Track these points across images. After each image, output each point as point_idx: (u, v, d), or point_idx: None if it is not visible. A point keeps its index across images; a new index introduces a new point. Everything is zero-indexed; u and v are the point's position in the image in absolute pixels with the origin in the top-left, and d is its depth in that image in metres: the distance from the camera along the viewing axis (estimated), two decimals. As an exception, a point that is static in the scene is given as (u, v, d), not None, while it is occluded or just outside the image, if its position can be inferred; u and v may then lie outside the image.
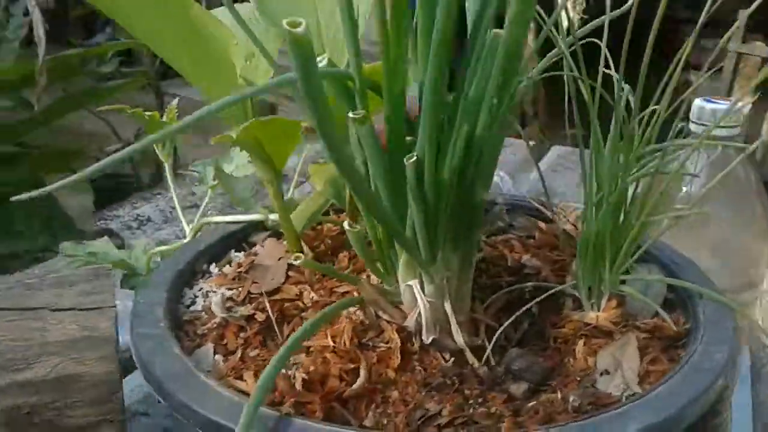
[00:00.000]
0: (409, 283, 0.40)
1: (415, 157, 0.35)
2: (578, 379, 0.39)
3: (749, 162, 0.54)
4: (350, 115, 0.35)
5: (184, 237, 0.98)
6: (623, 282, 0.43)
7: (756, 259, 0.57)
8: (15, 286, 0.57)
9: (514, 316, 0.42)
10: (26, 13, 1.43)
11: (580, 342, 0.41)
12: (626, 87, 0.41)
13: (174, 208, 1.23)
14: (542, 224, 0.55)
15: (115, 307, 0.54)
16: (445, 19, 0.32)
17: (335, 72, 0.37)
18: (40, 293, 0.56)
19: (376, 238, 0.42)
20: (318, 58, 0.36)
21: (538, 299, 0.43)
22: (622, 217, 0.42)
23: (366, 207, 0.39)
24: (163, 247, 0.59)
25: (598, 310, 0.43)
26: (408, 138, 0.38)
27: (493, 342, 0.41)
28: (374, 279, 0.44)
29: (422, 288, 0.40)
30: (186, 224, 0.68)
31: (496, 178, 0.88)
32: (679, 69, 0.40)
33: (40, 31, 1.20)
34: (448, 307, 0.40)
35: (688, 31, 0.42)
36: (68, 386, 0.52)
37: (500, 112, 0.38)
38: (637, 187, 0.43)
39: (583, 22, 0.47)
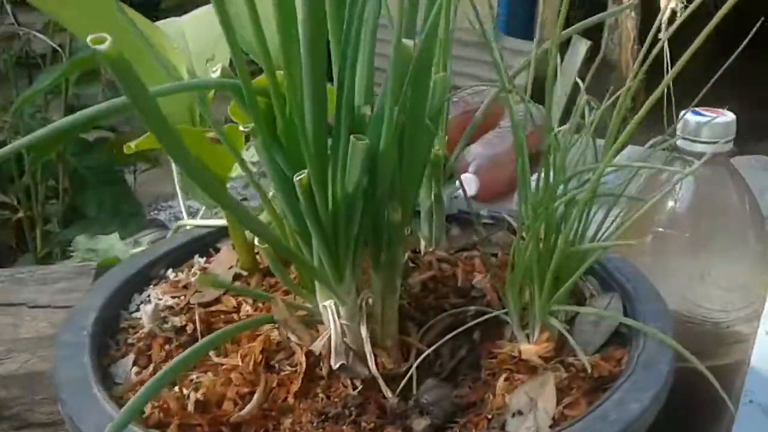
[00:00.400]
0: (325, 303, 0.39)
1: (303, 175, 0.34)
2: (489, 417, 0.36)
3: (738, 181, 0.48)
4: (240, 128, 0.35)
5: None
6: (551, 313, 0.40)
7: (749, 287, 0.52)
8: (6, 281, 0.59)
9: (441, 341, 0.40)
10: None
11: (503, 376, 0.38)
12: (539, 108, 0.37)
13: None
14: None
15: (88, 306, 0.55)
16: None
17: (226, 83, 0.35)
18: (25, 289, 0.58)
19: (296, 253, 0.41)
20: (215, 67, 0.35)
21: (469, 324, 0.41)
22: (551, 244, 0.38)
23: (253, 231, 0.38)
24: (137, 250, 0.60)
25: (530, 341, 0.40)
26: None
27: (412, 369, 0.39)
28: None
29: (337, 309, 0.39)
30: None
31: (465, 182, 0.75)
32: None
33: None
34: (363, 330, 0.39)
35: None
36: (36, 383, 0.54)
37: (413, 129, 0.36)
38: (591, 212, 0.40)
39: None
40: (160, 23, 0.58)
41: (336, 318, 0.39)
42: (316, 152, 0.34)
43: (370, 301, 0.40)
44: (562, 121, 0.44)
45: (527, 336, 0.41)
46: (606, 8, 2.72)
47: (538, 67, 0.42)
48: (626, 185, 0.38)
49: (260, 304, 0.45)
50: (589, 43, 2.51)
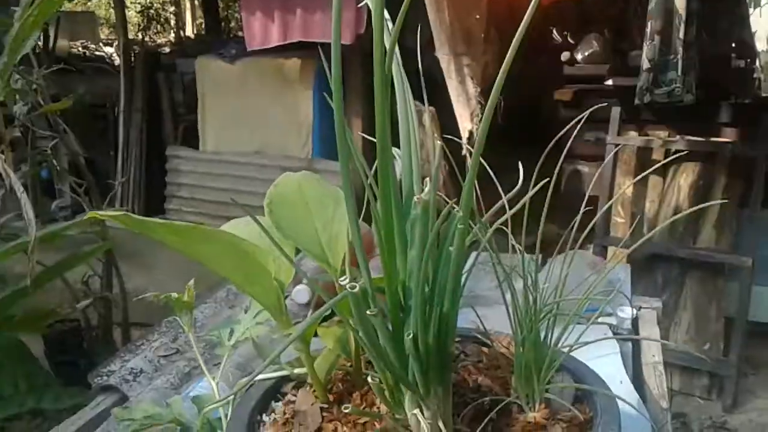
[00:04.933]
0: (414, 412, 0.62)
1: (411, 334, 0.58)
2: (529, 460, 0.61)
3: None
4: (368, 312, 0.58)
5: (179, 385, 1.17)
6: (547, 390, 0.67)
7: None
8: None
9: (482, 424, 0.65)
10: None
11: (527, 435, 0.64)
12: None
13: (162, 356, 1.40)
14: (485, 349, 0.79)
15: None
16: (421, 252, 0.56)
17: (359, 291, 0.59)
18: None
19: (387, 383, 0.64)
20: (350, 281, 0.59)
21: (495, 409, 0.66)
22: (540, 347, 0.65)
23: (381, 365, 0.61)
24: (212, 405, 0.78)
25: (535, 412, 0.66)
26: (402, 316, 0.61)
27: (471, 443, 0.63)
28: (385, 410, 0.66)
29: (422, 413, 0.62)
30: (210, 379, 0.87)
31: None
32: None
33: (30, 214, 1.38)
34: (441, 424, 0.62)
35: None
36: None
37: (456, 297, 0.62)
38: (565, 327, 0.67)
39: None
40: (230, 224, 0.78)
41: (423, 419, 0.62)
42: (419, 320, 0.58)
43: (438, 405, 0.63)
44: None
45: (530, 408, 0.66)
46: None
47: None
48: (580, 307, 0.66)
49: (348, 425, 0.67)
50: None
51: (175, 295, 0.90)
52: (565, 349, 0.67)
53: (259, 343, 0.82)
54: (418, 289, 0.57)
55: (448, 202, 0.64)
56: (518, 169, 0.67)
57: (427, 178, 0.55)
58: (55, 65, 2.43)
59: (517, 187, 0.66)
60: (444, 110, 2.88)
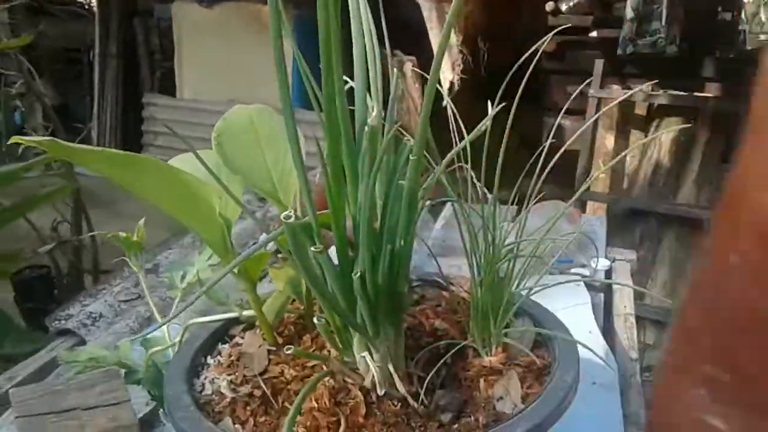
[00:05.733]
0: (362, 354, 0.59)
1: (358, 273, 0.54)
2: (483, 405, 0.58)
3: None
4: (312, 249, 0.54)
5: (138, 329, 1.13)
6: (506, 334, 0.63)
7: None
8: (46, 394, 0.71)
9: (435, 368, 0.62)
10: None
11: (482, 380, 0.61)
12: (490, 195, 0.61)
13: (122, 301, 1.36)
14: (445, 293, 0.75)
15: (129, 400, 0.70)
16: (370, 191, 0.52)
17: (302, 222, 0.55)
18: (69, 396, 0.71)
19: (335, 325, 0.60)
20: (288, 212, 0.54)
21: (449, 353, 0.63)
22: (498, 290, 0.62)
23: (328, 305, 0.57)
24: (156, 348, 0.75)
25: (491, 356, 0.63)
26: (351, 254, 0.57)
27: (424, 387, 0.60)
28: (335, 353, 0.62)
29: (371, 356, 0.59)
30: (159, 319, 0.84)
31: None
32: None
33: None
34: (390, 367, 0.59)
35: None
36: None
37: (409, 234, 0.58)
38: (512, 265, 0.64)
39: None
40: (177, 159, 0.74)
41: (373, 361, 0.59)
42: (366, 257, 0.54)
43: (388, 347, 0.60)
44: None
45: (486, 353, 0.63)
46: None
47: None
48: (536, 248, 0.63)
49: (297, 367, 0.64)
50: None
51: (123, 234, 0.85)
52: (524, 292, 0.64)
53: (206, 284, 0.78)
54: (365, 225, 0.53)
55: (404, 134, 0.60)
56: (500, 123, 0.63)
57: (373, 104, 0.50)
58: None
59: (481, 125, 0.62)
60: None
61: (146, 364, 0.76)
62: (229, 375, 0.64)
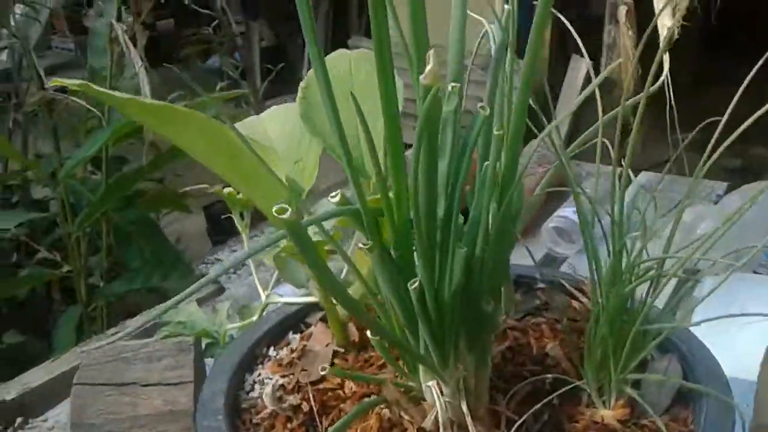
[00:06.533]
0: (428, 384, 0.45)
1: (417, 283, 0.40)
2: (584, 478, 0.43)
3: None
4: (360, 245, 0.41)
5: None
6: (634, 382, 0.46)
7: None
8: (113, 359, 0.66)
9: (532, 409, 0.47)
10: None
11: (590, 439, 0.45)
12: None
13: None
14: (576, 304, 0.59)
15: (192, 382, 0.62)
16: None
17: (345, 210, 0.42)
18: (134, 367, 0.64)
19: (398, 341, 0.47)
20: (332, 196, 0.42)
21: (557, 392, 0.47)
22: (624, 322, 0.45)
23: (371, 329, 0.44)
24: (237, 324, 0.66)
25: (608, 407, 0.46)
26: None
27: (511, 434, 0.45)
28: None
29: (440, 388, 0.45)
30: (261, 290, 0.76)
31: (549, 243, 0.86)
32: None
33: (146, 90, 1.33)
34: (464, 405, 0.45)
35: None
36: (156, 459, 0.60)
37: (505, 237, 0.43)
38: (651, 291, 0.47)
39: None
40: (243, 123, 0.65)
41: (440, 396, 0.45)
42: (424, 263, 0.40)
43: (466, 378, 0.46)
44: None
45: (603, 402, 0.47)
46: (602, 25, 2.77)
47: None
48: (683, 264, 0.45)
49: (363, 382, 0.52)
50: (590, 62, 2.58)
51: (228, 190, 0.77)
52: (670, 322, 0.46)
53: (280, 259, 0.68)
54: (423, 220, 0.39)
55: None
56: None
57: (431, 53, 0.35)
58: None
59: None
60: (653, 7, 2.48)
61: (222, 339, 0.68)
62: (283, 377, 0.53)
